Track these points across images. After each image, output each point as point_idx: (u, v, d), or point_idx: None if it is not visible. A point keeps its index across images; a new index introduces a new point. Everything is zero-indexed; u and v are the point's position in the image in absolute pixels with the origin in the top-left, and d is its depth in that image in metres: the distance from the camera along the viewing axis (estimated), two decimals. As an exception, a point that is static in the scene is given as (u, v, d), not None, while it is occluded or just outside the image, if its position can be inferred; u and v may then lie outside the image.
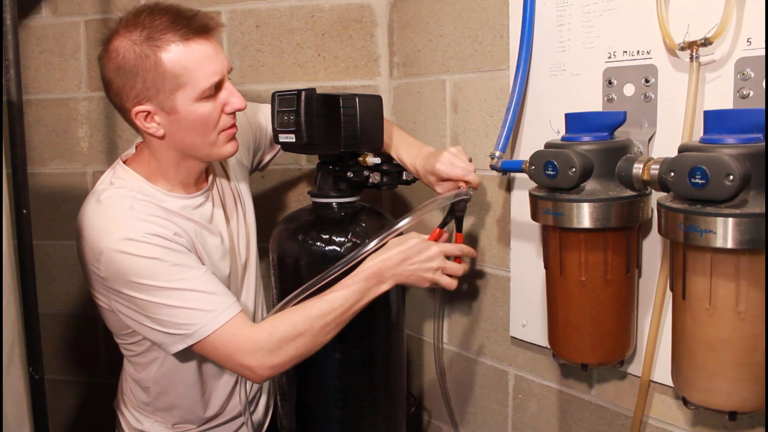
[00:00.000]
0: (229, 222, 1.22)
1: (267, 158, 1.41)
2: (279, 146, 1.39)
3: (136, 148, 1.16)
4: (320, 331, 1.05)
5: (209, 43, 1.04)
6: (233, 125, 1.10)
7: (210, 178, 1.19)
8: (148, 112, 1.03)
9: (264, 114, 1.37)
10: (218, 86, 1.05)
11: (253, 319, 1.25)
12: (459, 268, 1.13)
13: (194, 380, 1.17)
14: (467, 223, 1.42)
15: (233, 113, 1.08)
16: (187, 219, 1.10)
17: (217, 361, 1.07)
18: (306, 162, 1.66)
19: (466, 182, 1.16)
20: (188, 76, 1.01)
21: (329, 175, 1.26)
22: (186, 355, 1.13)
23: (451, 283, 1.13)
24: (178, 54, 1.00)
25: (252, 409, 1.29)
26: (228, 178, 1.25)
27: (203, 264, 1.08)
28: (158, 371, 1.15)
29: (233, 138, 1.11)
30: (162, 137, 1.06)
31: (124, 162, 1.13)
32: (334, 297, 1.06)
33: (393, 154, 1.29)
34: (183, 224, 1.08)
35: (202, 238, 1.12)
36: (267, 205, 1.68)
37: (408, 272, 1.10)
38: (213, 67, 1.03)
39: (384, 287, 1.09)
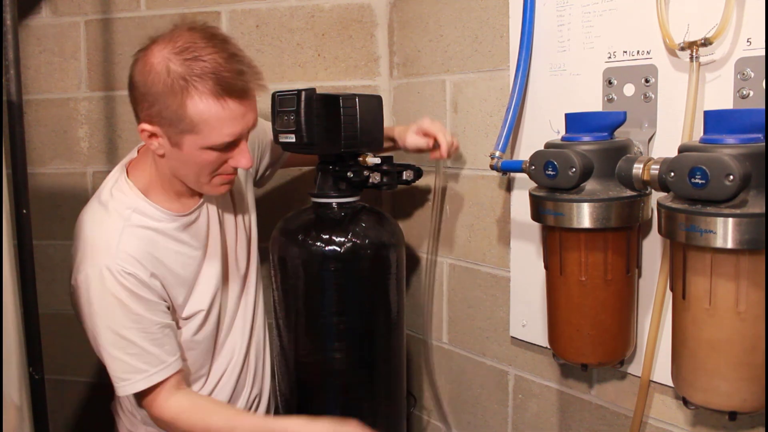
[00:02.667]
0: (226, 232, 1.22)
1: (269, 170, 1.42)
2: (277, 159, 1.41)
3: (138, 151, 1.16)
4: None
5: (241, 105, 1.00)
6: (231, 174, 1.08)
7: None
8: (154, 134, 1.02)
9: (263, 126, 1.37)
10: (232, 143, 1.03)
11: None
12: None
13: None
14: (465, 221, 1.42)
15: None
16: (177, 241, 1.11)
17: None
18: (306, 162, 1.66)
19: (435, 142, 1.23)
20: (204, 127, 0.98)
21: (329, 175, 1.26)
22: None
23: None
24: (204, 106, 0.97)
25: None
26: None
27: (169, 303, 1.11)
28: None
29: (227, 183, 1.10)
30: (161, 156, 1.06)
31: (128, 166, 1.14)
32: (240, 424, 1.09)
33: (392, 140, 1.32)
34: (167, 251, 1.10)
35: (185, 265, 1.13)
36: (267, 205, 1.68)
37: None
38: (232, 129, 1.00)
39: None
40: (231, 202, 1.24)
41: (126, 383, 1.06)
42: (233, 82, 0.97)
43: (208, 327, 1.16)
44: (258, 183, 1.42)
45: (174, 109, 0.97)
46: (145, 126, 1.02)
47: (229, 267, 1.21)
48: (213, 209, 1.20)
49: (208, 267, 1.17)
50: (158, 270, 1.08)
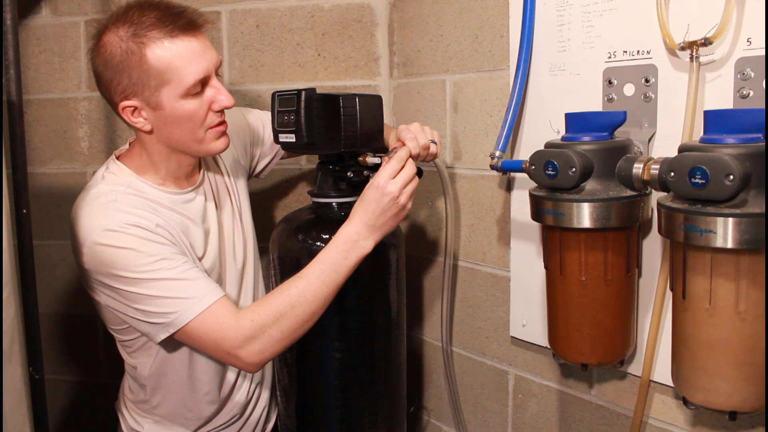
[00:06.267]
0: (222, 218, 1.22)
1: (264, 162, 1.41)
2: (276, 152, 1.41)
3: (130, 144, 1.17)
4: (302, 310, 1.03)
5: (196, 40, 1.04)
6: (221, 123, 1.10)
7: (202, 172, 1.20)
8: (135, 107, 1.05)
9: (260, 118, 1.38)
10: (204, 83, 1.05)
11: None
12: (413, 180, 1.07)
13: (187, 377, 1.17)
14: (465, 221, 1.42)
15: (221, 111, 1.09)
16: (176, 212, 1.11)
17: (205, 350, 1.06)
18: (306, 162, 1.66)
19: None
20: (172, 73, 1.01)
21: (329, 175, 1.26)
22: (177, 349, 1.13)
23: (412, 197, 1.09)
24: (163, 51, 1.01)
25: (250, 410, 1.29)
26: (222, 174, 1.25)
27: (188, 258, 1.07)
28: (152, 366, 1.15)
29: (222, 135, 1.11)
30: (150, 132, 1.07)
31: (118, 157, 1.15)
32: (310, 271, 1.05)
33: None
34: (170, 217, 1.09)
35: (189, 233, 1.12)
36: (267, 205, 1.68)
37: (380, 223, 1.06)
38: (198, 65, 1.03)
39: (366, 245, 1.06)
40: (228, 194, 1.24)
41: (177, 314, 1.00)
42: (178, 20, 1.02)
43: None
44: (258, 174, 1.43)
45: (139, 68, 1.01)
46: (125, 103, 1.04)
47: (226, 260, 1.21)
48: (209, 193, 1.20)
49: (209, 251, 1.16)
50: (164, 223, 1.06)
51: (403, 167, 1.07)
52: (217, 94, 1.07)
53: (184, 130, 1.06)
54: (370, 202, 1.06)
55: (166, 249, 1.03)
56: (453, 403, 1.50)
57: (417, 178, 1.09)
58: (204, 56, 1.04)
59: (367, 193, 1.07)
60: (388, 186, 1.05)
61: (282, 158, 1.44)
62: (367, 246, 1.06)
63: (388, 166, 1.06)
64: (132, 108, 1.05)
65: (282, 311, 1.03)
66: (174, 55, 1.01)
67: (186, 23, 1.03)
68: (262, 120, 1.38)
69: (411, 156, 1.10)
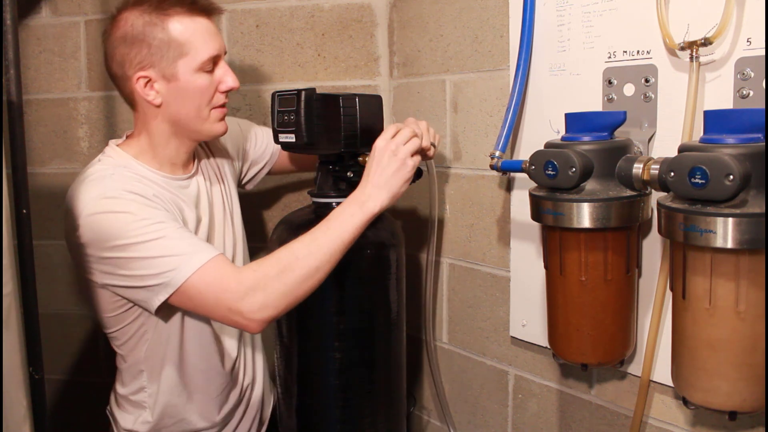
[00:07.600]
0: (214, 212, 1.23)
1: (254, 170, 1.43)
2: (265, 163, 1.43)
3: (127, 136, 1.19)
4: (306, 263, 1.01)
5: (211, 22, 1.12)
6: (224, 105, 1.15)
7: (196, 163, 1.22)
8: (149, 79, 1.08)
9: (253, 128, 1.41)
10: (215, 62, 1.11)
11: None
12: (411, 139, 1.10)
13: (177, 365, 1.16)
14: (465, 221, 1.42)
15: (226, 92, 1.14)
16: (171, 193, 1.13)
17: (205, 310, 1.03)
18: (306, 162, 1.66)
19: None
20: (190, 46, 1.07)
21: (329, 175, 1.26)
22: (168, 335, 1.13)
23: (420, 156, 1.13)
24: (184, 24, 1.07)
25: (238, 420, 1.29)
26: (217, 171, 1.27)
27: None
28: (146, 352, 1.15)
29: (223, 119, 1.16)
30: (159, 106, 1.10)
31: (117, 144, 1.17)
32: (317, 228, 1.06)
33: None
34: (165, 195, 1.10)
35: (183, 212, 1.13)
36: (267, 205, 1.68)
37: (383, 181, 1.07)
38: (213, 43, 1.10)
39: (371, 205, 1.07)
40: (221, 191, 1.26)
41: (175, 271, 0.99)
42: (197, 0, 1.10)
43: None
44: (244, 185, 1.44)
45: (159, 37, 1.07)
46: (141, 73, 1.08)
47: None
48: (204, 187, 1.21)
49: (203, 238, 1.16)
50: (160, 195, 1.08)
51: (399, 132, 1.10)
52: (225, 74, 1.13)
53: (192, 105, 1.10)
54: (370, 163, 1.10)
55: (162, 214, 1.05)
56: (443, 401, 1.50)
57: (416, 138, 1.11)
58: (216, 37, 1.12)
59: (368, 159, 1.11)
60: (384, 144, 1.08)
61: (270, 173, 1.46)
62: (372, 206, 1.07)
63: (384, 132, 1.11)
64: (146, 79, 1.08)
65: (286, 263, 1.02)
66: (193, 30, 1.08)
67: (205, 5, 1.11)
68: (254, 130, 1.41)
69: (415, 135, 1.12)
